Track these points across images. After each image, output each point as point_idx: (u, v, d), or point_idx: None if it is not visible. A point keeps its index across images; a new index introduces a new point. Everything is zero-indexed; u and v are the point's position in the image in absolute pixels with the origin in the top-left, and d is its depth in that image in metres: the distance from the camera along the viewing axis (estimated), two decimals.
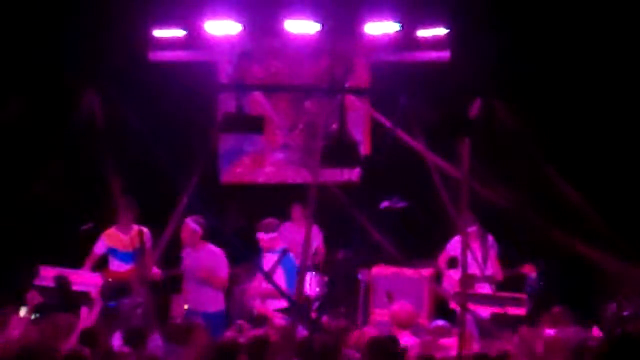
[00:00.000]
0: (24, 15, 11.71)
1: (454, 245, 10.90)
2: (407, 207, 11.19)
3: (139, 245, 10.16)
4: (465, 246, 9.14)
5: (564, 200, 8.69)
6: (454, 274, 11.01)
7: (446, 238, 10.98)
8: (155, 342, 7.94)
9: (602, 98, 11.65)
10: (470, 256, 10.37)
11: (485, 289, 10.77)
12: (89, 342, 7.26)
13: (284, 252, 10.09)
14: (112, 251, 10.49)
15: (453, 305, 10.62)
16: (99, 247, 10.51)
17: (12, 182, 11.34)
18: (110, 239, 10.50)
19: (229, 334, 8.09)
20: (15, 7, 11.67)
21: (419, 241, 10.99)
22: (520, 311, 9.95)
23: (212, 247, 10.18)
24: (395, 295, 10.46)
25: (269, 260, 10.10)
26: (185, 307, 10.49)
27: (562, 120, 11.70)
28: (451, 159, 8.34)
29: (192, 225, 10.06)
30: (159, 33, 12.32)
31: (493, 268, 10.92)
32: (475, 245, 10.73)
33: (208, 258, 10.17)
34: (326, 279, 11.05)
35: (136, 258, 10.21)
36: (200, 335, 7.76)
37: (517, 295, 10.36)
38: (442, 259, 11.11)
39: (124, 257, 10.41)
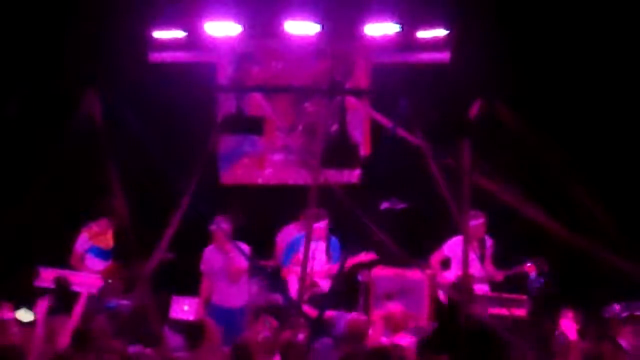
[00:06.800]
0: (24, 16, 11.71)
1: (451, 246, 10.87)
2: (407, 208, 11.17)
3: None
4: (467, 244, 9.11)
5: (565, 199, 8.69)
6: (448, 275, 10.98)
7: (446, 239, 10.97)
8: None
9: (603, 97, 11.65)
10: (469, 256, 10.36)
11: (482, 289, 10.75)
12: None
13: (330, 237, 10.51)
14: (92, 249, 10.54)
15: None
16: (81, 245, 10.56)
17: (11, 182, 11.33)
18: (92, 237, 10.54)
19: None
20: (15, 8, 11.67)
21: (419, 242, 10.98)
22: (521, 312, 9.96)
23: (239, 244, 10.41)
24: (395, 296, 10.44)
25: (318, 248, 10.46)
26: (186, 307, 10.50)
27: (563, 120, 11.69)
28: (452, 160, 8.35)
29: (225, 225, 10.32)
30: (159, 34, 12.31)
31: (488, 269, 10.90)
32: (474, 244, 10.70)
33: (240, 255, 10.45)
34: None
35: (115, 255, 10.33)
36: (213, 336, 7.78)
37: (518, 296, 10.37)
38: (436, 259, 11.06)
39: (103, 255, 10.46)
